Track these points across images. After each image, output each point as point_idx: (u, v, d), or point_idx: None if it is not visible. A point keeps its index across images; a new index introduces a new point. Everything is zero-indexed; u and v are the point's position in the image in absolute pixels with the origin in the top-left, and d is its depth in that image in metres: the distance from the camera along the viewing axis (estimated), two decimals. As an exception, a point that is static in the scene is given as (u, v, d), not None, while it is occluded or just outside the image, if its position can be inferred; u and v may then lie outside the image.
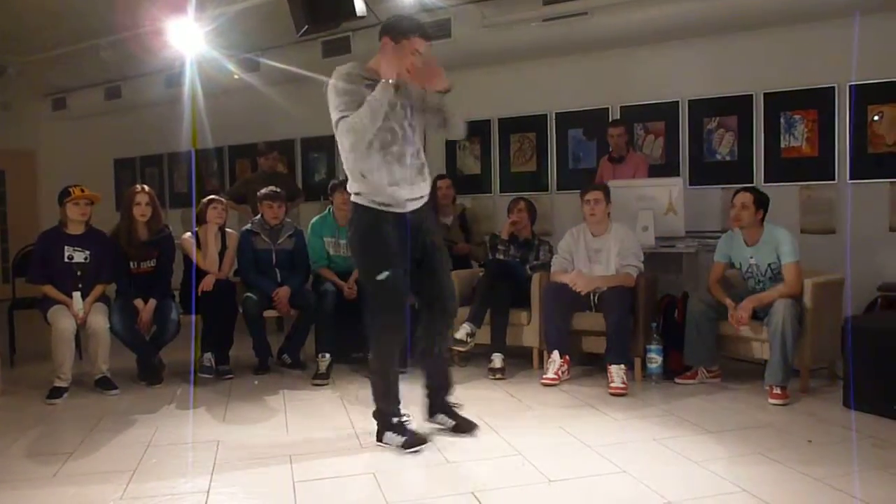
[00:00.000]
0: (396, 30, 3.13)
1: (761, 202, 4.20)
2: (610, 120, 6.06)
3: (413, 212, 3.21)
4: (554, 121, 6.58)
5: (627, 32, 5.78)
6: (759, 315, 4.10)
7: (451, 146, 7.02)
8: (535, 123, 6.67)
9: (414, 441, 3.16)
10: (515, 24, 6.03)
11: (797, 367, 3.98)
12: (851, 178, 5.33)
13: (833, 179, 5.40)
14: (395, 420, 3.22)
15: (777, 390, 3.84)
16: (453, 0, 6.06)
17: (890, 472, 2.80)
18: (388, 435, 3.21)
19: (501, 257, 4.99)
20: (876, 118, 5.26)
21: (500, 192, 6.79)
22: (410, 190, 3.18)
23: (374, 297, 3.16)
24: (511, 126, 6.81)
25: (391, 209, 3.15)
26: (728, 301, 4.16)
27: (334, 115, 3.07)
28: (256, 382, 4.60)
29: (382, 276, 3.08)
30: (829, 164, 5.42)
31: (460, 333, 4.52)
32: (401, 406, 3.27)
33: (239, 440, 3.40)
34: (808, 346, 3.97)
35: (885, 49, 5.10)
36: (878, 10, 5.03)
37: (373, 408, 3.31)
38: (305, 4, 5.12)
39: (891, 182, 5.21)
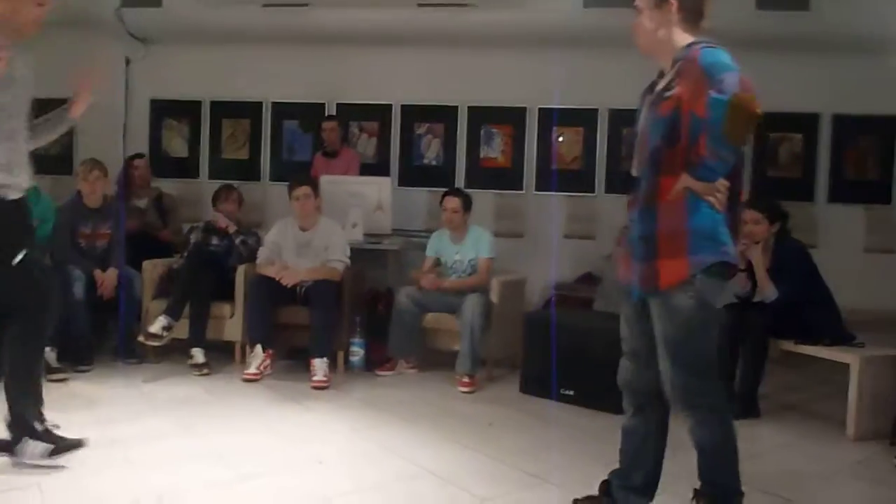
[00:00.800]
0: None
1: (467, 205, 4.57)
2: (326, 115, 6.09)
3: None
4: (270, 110, 6.42)
5: (345, 30, 5.85)
6: (452, 309, 4.39)
7: (156, 122, 6.47)
8: (250, 110, 6.44)
9: (64, 447, 2.74)
10: (234, 3, 5.76)
11: (484, 357, 4.34)
12: (536, 190, 6.00)
13: (522, 190, 6.02)
14: (39, 427, 2.74)
15: (466, 379, 4.16)
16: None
17: (557, 448, 3.18)
18: (30, 444, 2.69)
19: (210, 246, 4.73)
20: (560, 139, 5.98)
21: (209, 178, 6.43)
22: (25, 176, 2.72)
23: (18, 282, 2.69)
24: (224, 110, 6.49)
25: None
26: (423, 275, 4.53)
27: None
28: None
29: (20, 256, 2.66)
30: (520, 176, 6.04)
31: (155, 327, 4.20)
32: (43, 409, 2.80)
33: None
34: (493, 338, 4.35)
35: (573, 79, 5.78)
36: (568, 44, 5.68)
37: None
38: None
39: (568, 195, 5.95)
